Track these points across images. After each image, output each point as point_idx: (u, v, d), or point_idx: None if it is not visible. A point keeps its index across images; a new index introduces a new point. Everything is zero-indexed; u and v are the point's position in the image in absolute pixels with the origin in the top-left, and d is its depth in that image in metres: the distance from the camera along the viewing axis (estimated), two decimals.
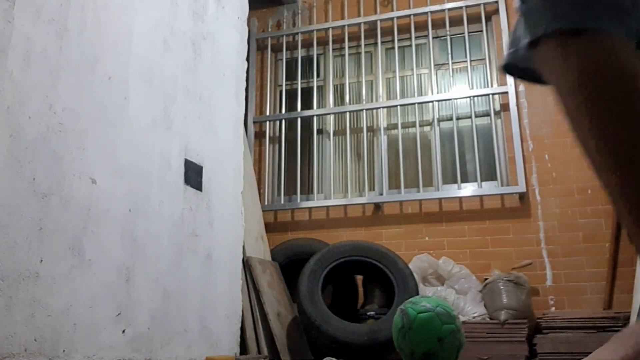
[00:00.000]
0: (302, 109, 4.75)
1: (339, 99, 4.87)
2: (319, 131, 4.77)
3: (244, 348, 3.17)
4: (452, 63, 4.51)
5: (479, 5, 4.49)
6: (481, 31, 4.55)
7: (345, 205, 4.43)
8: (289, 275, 3.87)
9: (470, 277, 3.73)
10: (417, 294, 3.48)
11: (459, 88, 4.54)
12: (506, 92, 4.24)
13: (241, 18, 3.72)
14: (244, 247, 3.41)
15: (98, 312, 2.11)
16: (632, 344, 0.67)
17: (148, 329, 2.42)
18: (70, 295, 1.97)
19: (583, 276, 3.78)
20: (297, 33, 4.93)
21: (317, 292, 3.42)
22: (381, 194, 4.41)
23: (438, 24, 4.62)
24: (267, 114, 4.82)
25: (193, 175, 2.93)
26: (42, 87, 1.94)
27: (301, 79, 4.83)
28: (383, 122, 4.60)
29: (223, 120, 3.33)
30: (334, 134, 4.73)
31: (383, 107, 4.59)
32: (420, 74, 4.69)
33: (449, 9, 4.56)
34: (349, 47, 4.80)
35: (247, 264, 3.42)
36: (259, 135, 4.83)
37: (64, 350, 1.92)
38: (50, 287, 1.89)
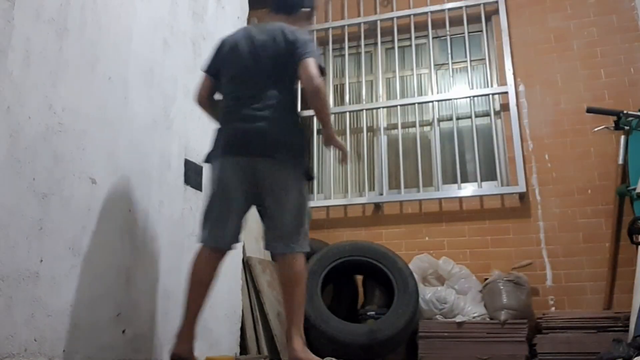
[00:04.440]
0: (301, 109, 4.74)
1: (339, 99, 4.87)
2: (319, 131, 4.77)
3: (244, 348, 3.17)
4: (452, 63, 4.51)
5: (479, 5, 4.49)
6: (481, 31, 4.55)
7: (345, 205, 4.43)
8: None
9: (470, 277, 3.73)
10: (417, 294, 3.48)
11: (459, 88, 4.54)
12: (506, 92, 4.24)
13: (241, 18, 3.71)
14: (244, 247, 3.41)
15: (98, 312, 2.11)
16: None
17: (148, 329, 2.42)
18: (70, 295, 1.97)
19: (583, 276, 3.78)
20: None
21: (316, 292, 3.42)
22: (381, 194, 4.41)
23: (438, 24, 4.63)
24: None
25: (193, 175, 2.93)
26: (42, 87, 1.94)
27: None
28: (383, 122, 4.60)
29: None
30: None
31: (383, 107, 4.59)
32: (420, 74, 4.69)
33: (449, 9, 4.56)
34: (349, 47, 4.80)
35: (247, 264, 3.41)
36: None
37: (64, 350, 1.92)
38: (50, 287, 1.88)
